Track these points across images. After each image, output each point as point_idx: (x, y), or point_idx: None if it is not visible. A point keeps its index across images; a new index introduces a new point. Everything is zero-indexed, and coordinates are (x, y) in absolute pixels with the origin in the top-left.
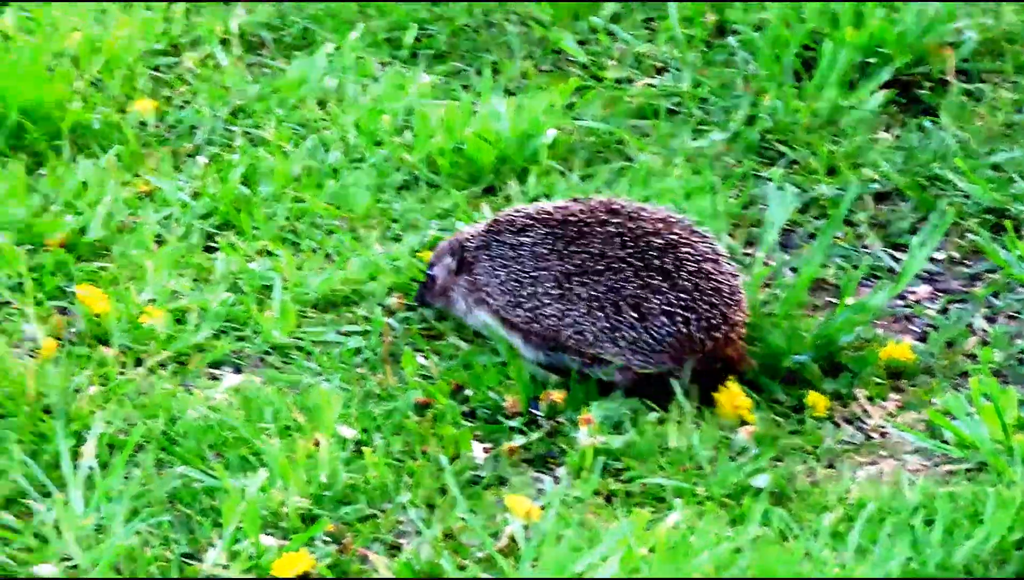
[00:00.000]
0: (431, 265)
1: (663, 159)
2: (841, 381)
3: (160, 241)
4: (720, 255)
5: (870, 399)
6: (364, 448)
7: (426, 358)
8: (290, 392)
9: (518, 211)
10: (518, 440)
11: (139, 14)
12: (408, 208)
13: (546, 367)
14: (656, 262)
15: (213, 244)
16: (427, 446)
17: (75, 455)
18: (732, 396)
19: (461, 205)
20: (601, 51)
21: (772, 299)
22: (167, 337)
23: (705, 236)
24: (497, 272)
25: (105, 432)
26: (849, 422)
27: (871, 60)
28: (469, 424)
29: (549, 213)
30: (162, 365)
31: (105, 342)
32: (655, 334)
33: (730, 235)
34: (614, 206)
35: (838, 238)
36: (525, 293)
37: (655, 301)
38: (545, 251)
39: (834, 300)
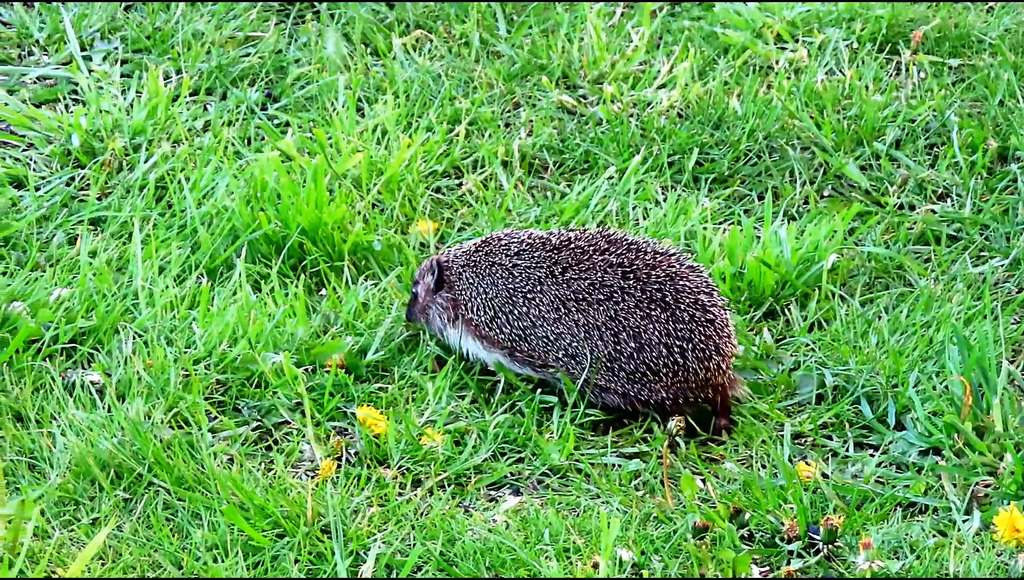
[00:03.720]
0: (415, 283)
1: (944, 285)
2: None
3: (440, 363)
4: (713, 288)
5: None
6: (642, 571)
7: (705, 481)
8: (569, 514)
9: (511, 235)
10: (796, 564)
11: (421, 135)
12: None
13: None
14: (657, 294)
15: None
16: (705, 569)
17: (353, 575)
18: (1012, 520)
19: (741, 329)
20: (883, 177)
21: None
22: (446, 458)
23: (698, 268)
24: (485, 290)
25: (383, 553)
26: None
27: None
28: (747, 547)
29: (545, 238)
30: (441, 486)
31: (384, 463)
32: (652, 364)
33: (1010, 361)
34: (611, 236)
35: None
36: (516, 312)
37: (654, 332)
38: (541, 274)
39: None
